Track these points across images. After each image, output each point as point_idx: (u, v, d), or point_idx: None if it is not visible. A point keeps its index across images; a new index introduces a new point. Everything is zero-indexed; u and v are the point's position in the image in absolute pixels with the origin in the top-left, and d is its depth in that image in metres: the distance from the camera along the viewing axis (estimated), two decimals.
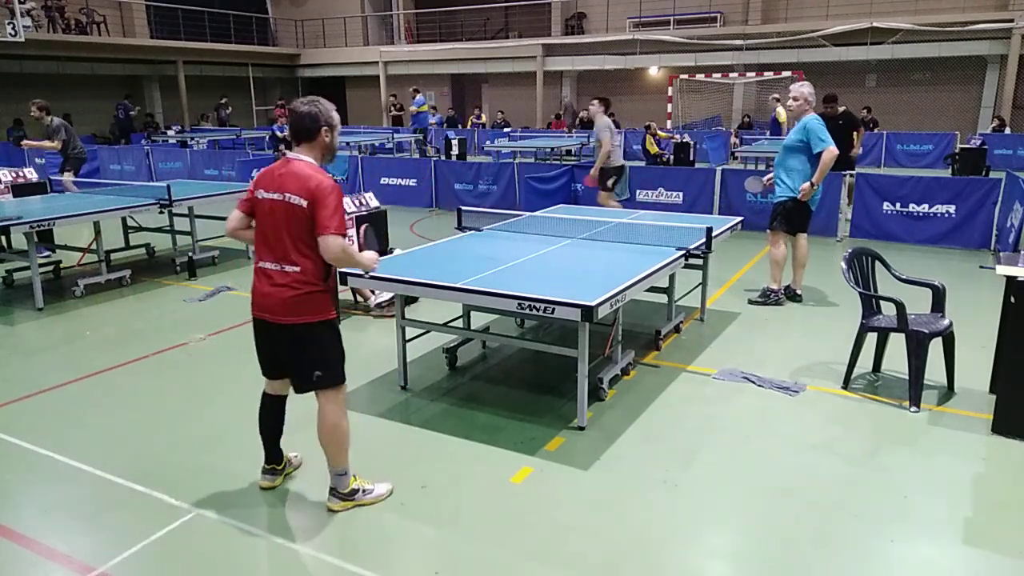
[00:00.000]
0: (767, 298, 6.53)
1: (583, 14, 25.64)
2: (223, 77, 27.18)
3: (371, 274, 4.08)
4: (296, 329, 3.20)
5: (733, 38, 22.04)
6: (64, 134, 9.83)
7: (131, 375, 5.19)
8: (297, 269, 3.16)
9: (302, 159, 3.20)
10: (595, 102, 8.82)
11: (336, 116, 3.28)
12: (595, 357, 4.45)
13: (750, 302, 6.57)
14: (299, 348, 3.25)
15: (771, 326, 6.07)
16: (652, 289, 5.09)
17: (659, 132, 16.25)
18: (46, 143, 9.88)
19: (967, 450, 3.96)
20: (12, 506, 3.53)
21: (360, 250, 3.47)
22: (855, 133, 10.35)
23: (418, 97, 18.98)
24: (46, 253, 8.28)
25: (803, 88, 6.34)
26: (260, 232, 3.23)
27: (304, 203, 3.09)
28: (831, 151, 6.12)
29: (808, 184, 6.18)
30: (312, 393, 3.34)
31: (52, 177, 10.00)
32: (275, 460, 3.64)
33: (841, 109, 10.06)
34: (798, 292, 6.62)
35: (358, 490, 3.45)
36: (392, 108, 25.21)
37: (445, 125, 23.37)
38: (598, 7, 25.01)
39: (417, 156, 18.68)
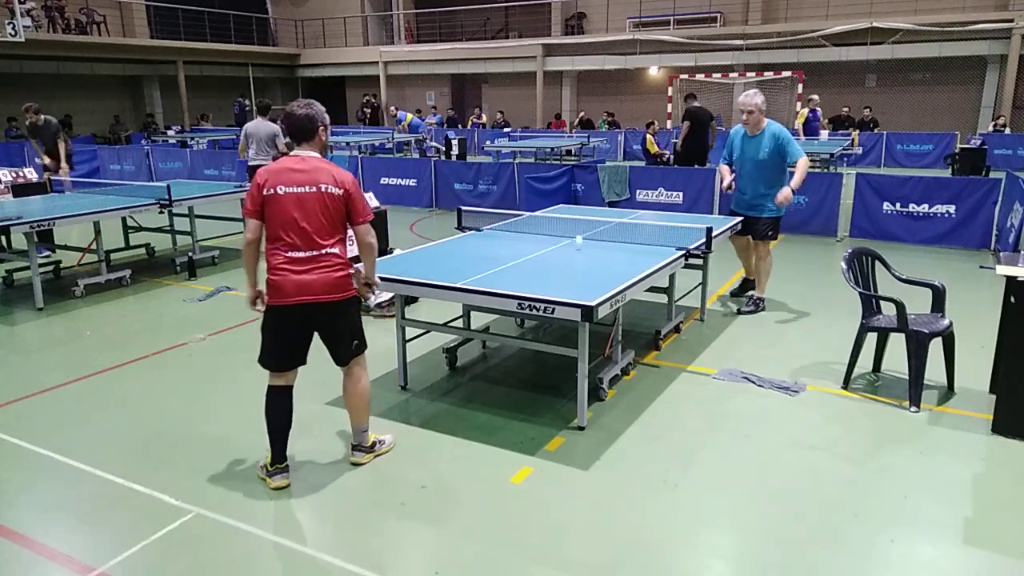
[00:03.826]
0: (757, 306, 6.42)
1: (583, 14, 25.63)
2: (223, 77, 27.18)
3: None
4: (338, 305, 3.54)
5: (733, 38, 22.04)
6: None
7: (131, 375, 5.19)
8: (336, 251, 3.50)
9: (315, 155, 3.53)
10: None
11: (327, 117, 3.63)
12: (595, 357, 4.45)
13: (740, 312, 6.40)
14: (339, 322, 3.60)
15: (771, 326, 6.07)
16: (652, 289, 5.09)
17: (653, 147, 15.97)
18: (63, 146, 9.85)
19: (967, 450, 3.96)
20: (12, 506, 3.53)
21: None
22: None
23: (399, 113, 19.14)
24: (46, 253, 8.28)
25: (756, 98, 6.05)
26: (287, 224, 3.43)
27: (340, 192, 3.46)
28: (806, 159, 6.06)
29: (788, 190, 5.95)
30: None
31: (54, 178, 9.99)
32: (284, 459, 3.67)
33: (696, 105, 10.19)
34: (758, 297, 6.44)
35: (376, 441, 3.88)
36: (366, 109, 25.39)
37: (445, 125, 23.37)
38: (598, 7, 25.00)
39: (417, 156, 18.68)
